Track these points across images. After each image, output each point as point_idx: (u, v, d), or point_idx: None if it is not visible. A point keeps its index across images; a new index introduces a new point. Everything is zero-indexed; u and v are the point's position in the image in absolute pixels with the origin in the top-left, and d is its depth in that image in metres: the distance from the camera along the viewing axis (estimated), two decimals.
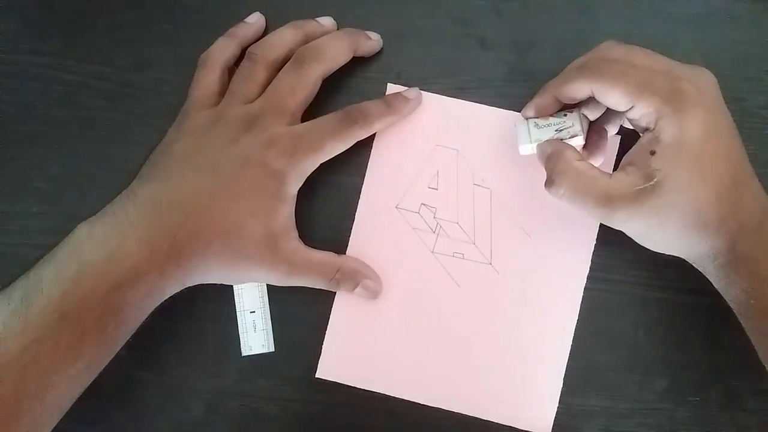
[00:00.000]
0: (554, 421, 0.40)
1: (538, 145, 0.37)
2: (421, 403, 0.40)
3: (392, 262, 0.41)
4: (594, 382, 0.40)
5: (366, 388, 0.41)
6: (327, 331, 0.41)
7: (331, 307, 0.41)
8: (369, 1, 0.43)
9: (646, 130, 0.34)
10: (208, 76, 0.40)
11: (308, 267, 0.38)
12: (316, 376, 0.41)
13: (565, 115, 0.37)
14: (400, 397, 0.40)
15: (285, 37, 0.40)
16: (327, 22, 0.42)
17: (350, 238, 0.41)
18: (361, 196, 0.42)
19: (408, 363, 0.41)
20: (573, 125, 0.37)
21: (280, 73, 0.39)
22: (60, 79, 0.43)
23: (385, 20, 0.42)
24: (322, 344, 0.41)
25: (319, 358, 0.41)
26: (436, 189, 0.41)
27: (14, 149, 0.43)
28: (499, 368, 0.40)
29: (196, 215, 0.36)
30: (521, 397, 0.40)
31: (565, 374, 0.40)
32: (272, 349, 0.41)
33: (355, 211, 0.41)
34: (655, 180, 0.33)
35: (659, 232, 0.35)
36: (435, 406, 0.40)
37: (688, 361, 0.40)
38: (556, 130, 0.37)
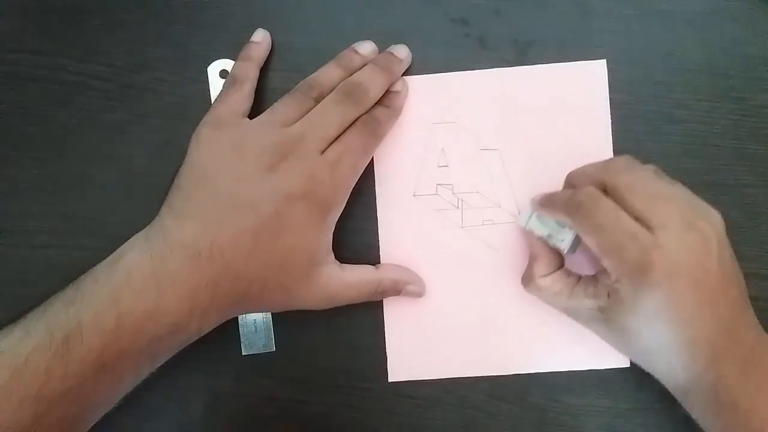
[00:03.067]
0: (553, 421, 0.40)
1: (528, 232, 0.38)
2: (498, 374, 0.41)
3: (427, 250, 0.41)
4: (594, 382, 0.40)
5: (439, 377, 0.41)
6: (386, 335, 0.41)
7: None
8: (369, 1, 0.43)
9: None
10: (236, 94, 0.39)
11: (348, 290, 0.38)
12: (389, 380, 0.41)
13: (565, 226, 0.37)
14: (473, 375, 0.41)
15: (335, 76, 0.39)
16: (368, 49, 0.41)
17: (379, 240, 0.41)
18: (377, 195, 0.42)
19: (471, 340, 0.41)
20: (564, 240, 0.37)
21: (327, 101, 0.38)
22: (59, 79, 0.43)
23: (384, 20, 0.42)
24: (324, 339, 0.41)
25: (319, 359, 0.41)
26: (447, 166, 0.41)
27: (13, 149, 0.42)
28: (559, 317, 0.40)
29: (238, 261, 0.35)
30: (590, 339, 0.39)
31: (565, 374, 0.40)
32: (273, 350, 0.41)
33: (376, 212, 0.41)
34: (605, 317, 0.35)
35: (614, 347, 0.38)
36: (512, 373, 0.41)
37: None
38: (547, 234, 0.37)
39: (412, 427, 0.41)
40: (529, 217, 0.38)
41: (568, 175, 0.38)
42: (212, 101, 0.42)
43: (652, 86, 0.41)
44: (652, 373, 0.36)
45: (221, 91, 0.40)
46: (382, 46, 0.42)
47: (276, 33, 0.42)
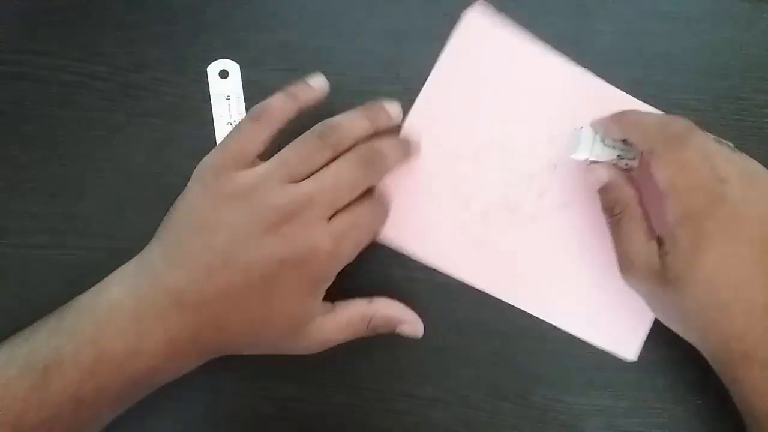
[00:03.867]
0: (554, 420, 0.40)
1: (593, 162, 0.37)
2: (499, 298, 0.40)
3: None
4: (594, 381, 0.40)
5: (429, 263, 0.41)
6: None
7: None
8: (368, 1, 0.43)
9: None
10: (258, 132, 0.35)
11: (339, 335, 0.37)
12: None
13: (631, 144, 0.36)
14: (468, 282, 0.41)
15: (358, 129, 0.36)
16: (396, 111, 0.38)
17: None
18: None
19: (478, 246, 0.41)
20: (634, 158, 0.37)
21: (344, 162, 0.35)
22: (58, 80, 0.42)
23: (384, 20, 0.42)
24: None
25: (319, 358, 0.41)
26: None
27: (12, 149, 0.42)
28: (590, 280, 0.40)
29: (222, 315, 0.34)
30: (609, 316, 0.40)
31: (565, 374, 0.40)
32: None
33: None
34: (665, 274, 0.34)
35: (663, 315, 0.37)
36: (510, 303, 0.40)
37: (689, 360, 0.40)
38: (618, 156, 0.37)
39: (412, 426, 0.41)
40: (593, 145, 0.37)
41: (618, 115, 0.36)
42: (212, 101, 0.42)
43: (652, 86, 0.41)
44: (699, 347, 0.35)
45: (243, 119, 0.36)
46: (382, 46, 0.42)
47: (275, 33, 0.42)
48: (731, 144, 0.36)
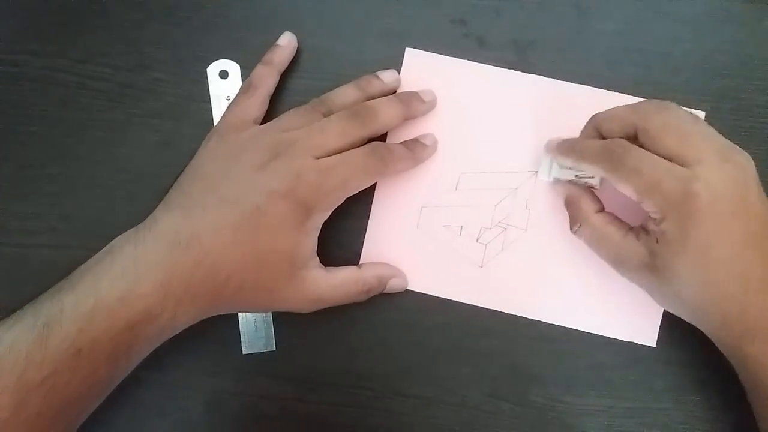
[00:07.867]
0: (553, 420, 0.40)
1: (555, 182, 0.38)
2: (513, 313, 0.41)
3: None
4: (594, 382, 0.40)
5: (424, 291, 0.41)
6: (370, 218, 0.42)
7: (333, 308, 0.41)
8: (368, 1, 0.43)
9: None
10: (248, 101, 0.39)
11: (333, 293, 0.38)
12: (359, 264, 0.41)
13: None
14: (472, 303, 0.41)
15: (349, 96, 0.39)
16: (390, 77, 0.41)
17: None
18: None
19: (475, 265, 0.41)
20: (593, 177, 0.37)
21: (332, 116, 0.38)
22: (59, 80, 0.43)
23: (383, 21, 0.42)
24: (325, 339, 0.41)
25: (319, 358, 0.41)
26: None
27: (13, 149, 0.42)
28: (595, 278, 0.40)
29: (215, 252, 0.35)
30: (621, 308, 0.40)
31: (564, 374, 0.40)
32: (273, 349, 0.41)
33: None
34: (656, 263, 0.34)
35: (663, 303, 0.36)
36: (526, 316, 0.41)
37: (688, 361, 0.40)
38: (575, 176, 0.37)
39: (412, 426, 0.41)
40: (551, 167, 0.38)
41: (593, 118, 0.37)
42: (211, 101, 0.42)
43: (652, 86, 0.41)
44: (703, 328, 0.35)
45: (236, 95, 0.40)
46: (381, 47, 0.42)
47: (275, 33, 0.42)
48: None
